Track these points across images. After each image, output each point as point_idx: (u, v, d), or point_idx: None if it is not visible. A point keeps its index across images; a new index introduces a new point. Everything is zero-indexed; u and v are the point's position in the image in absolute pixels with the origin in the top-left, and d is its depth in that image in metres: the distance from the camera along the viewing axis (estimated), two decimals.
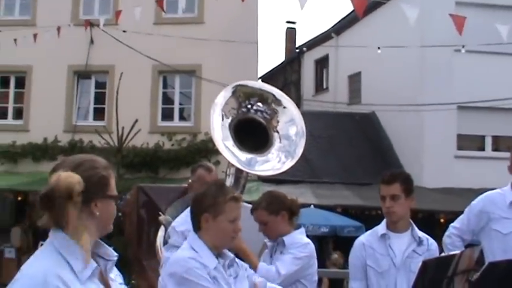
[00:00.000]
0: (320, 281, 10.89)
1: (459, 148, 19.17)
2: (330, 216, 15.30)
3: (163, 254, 4.66)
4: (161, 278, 3.30)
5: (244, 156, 4.41)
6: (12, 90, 19.82)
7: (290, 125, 4.67)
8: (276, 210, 4.30)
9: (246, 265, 3.55)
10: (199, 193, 3.45)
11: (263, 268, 4.07)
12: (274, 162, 4.56)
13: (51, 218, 2.21)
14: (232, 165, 4.47)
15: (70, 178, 2.19)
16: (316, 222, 14.26)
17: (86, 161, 2.33)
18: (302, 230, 4.42)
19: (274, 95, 4.76)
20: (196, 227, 3.34)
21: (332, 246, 15.30)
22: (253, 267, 3.98)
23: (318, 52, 27.31)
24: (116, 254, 2.40)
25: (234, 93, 4.65)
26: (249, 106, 4.65)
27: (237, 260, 3.43)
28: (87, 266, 2.20)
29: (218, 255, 3.29)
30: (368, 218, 13.46)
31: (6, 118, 19.73)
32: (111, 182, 2.35)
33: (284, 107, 4.69)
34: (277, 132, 4.61)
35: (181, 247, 3.45)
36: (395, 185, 4.22)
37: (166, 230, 4.86)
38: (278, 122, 4.64)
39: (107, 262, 2.36)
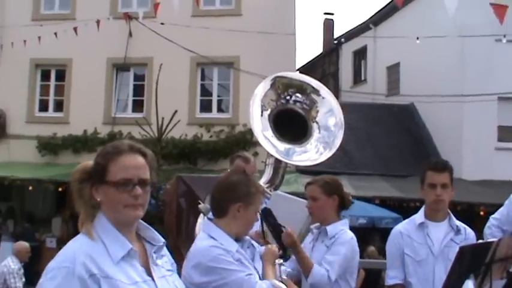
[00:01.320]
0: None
1: (500, 140, 18.85)
2: (368, 208, 15.26)
3: None
4: (184, 271, 3.20)
5: (282, 146, 4.44)
6: (52, 83, 20.16)
7: (329, 116, 4.68)
8: (330, 191, 4.31)
9: (261, 248, 3.54)
10: (228, 181, 3.39)
11: (317, 271, 4.07)
12: (312, 153, 4.58)
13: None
14: (271, 155, 4.50)
15: (79, 166, 2.37)
16: (354, 214, 14.20)
17: (105, 147, 2.41)
18: (345, 221, 4.40)
19: (312, 86, 4.77)
20: (221, 213, 3.31)
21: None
22: (308, 268, 4.07)
23: (356, 43, 27.12)
24: (162, 239, 2.42)
25: (272, 85, 4.68)
26: (288, 97, 4.68)
27: (252, 242, 3.43)
28: (121, 246, 2.24)
29: (236, 239, 3.28)
30: (406, 210, 13.35)
31: (47, 111, 20.09)
32: (110, 169, 2.28)
33: (323, 98, 4.70)
34: (317, 122, 4.63)
35: (198, 237, 3.45)
36: (445, 173, 4.25)
37: (205, 218, 4.92)
38: (318, 112, 4.66)
39: (153, 247, 2.39)
